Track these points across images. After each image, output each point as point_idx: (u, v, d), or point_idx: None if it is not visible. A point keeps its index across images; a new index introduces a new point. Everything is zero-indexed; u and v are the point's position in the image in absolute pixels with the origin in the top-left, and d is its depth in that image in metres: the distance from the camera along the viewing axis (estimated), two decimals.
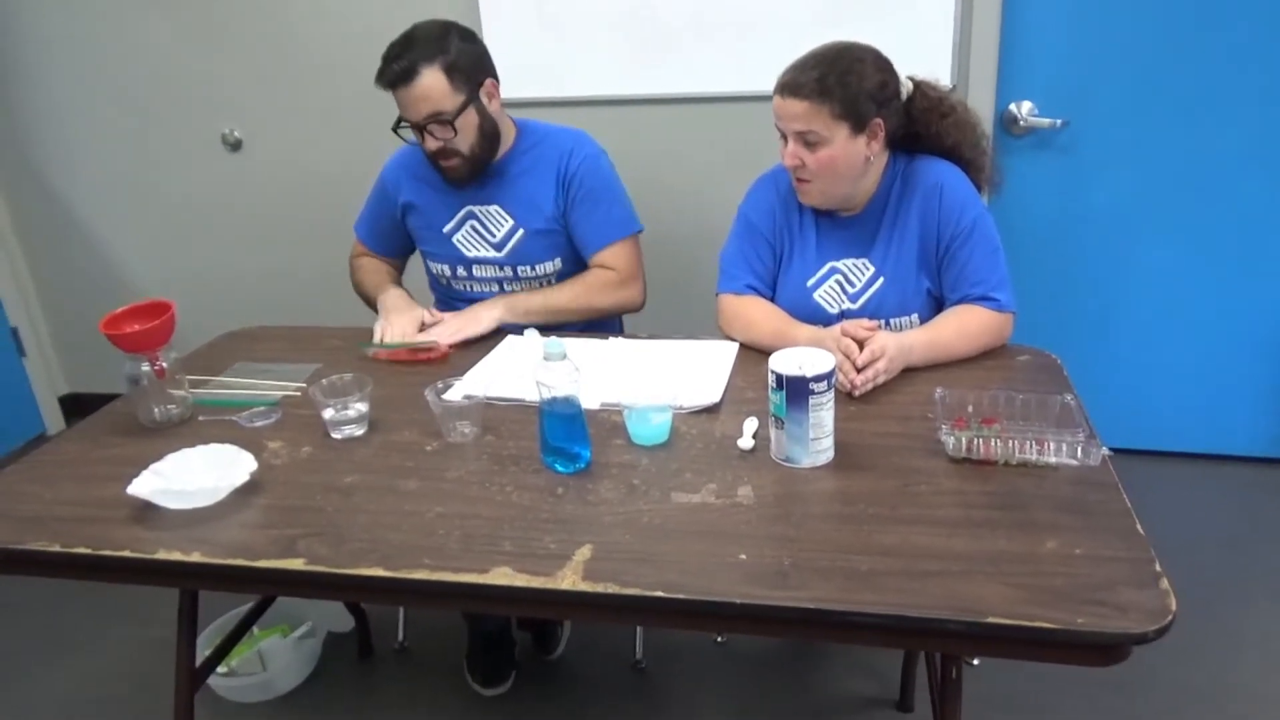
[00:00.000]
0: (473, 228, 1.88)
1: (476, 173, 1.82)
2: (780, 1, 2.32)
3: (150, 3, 2.68)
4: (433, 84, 1.68)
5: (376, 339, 1.75)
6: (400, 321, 1.76)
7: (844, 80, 1.49)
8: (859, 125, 1.52)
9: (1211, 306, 2.47)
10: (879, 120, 1.53)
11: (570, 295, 1.85)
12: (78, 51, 2.78)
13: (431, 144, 1.75)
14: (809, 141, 1.53)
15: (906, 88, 1.60)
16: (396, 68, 1.67)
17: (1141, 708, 1.82)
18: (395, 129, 1.79)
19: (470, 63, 1.73)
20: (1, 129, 2.94)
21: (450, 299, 1.98)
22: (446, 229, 1.89)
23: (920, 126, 1.62)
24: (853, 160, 1.55)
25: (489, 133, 1.80)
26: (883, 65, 1.55)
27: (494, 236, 1.88)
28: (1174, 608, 0.95)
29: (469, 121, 1.75)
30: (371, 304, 1.93)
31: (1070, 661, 0.99)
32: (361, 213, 2.03)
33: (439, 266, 1.94)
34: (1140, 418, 2.62)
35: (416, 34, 1.70)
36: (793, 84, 1.51)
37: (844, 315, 1.63)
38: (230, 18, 2.65)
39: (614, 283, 1.87)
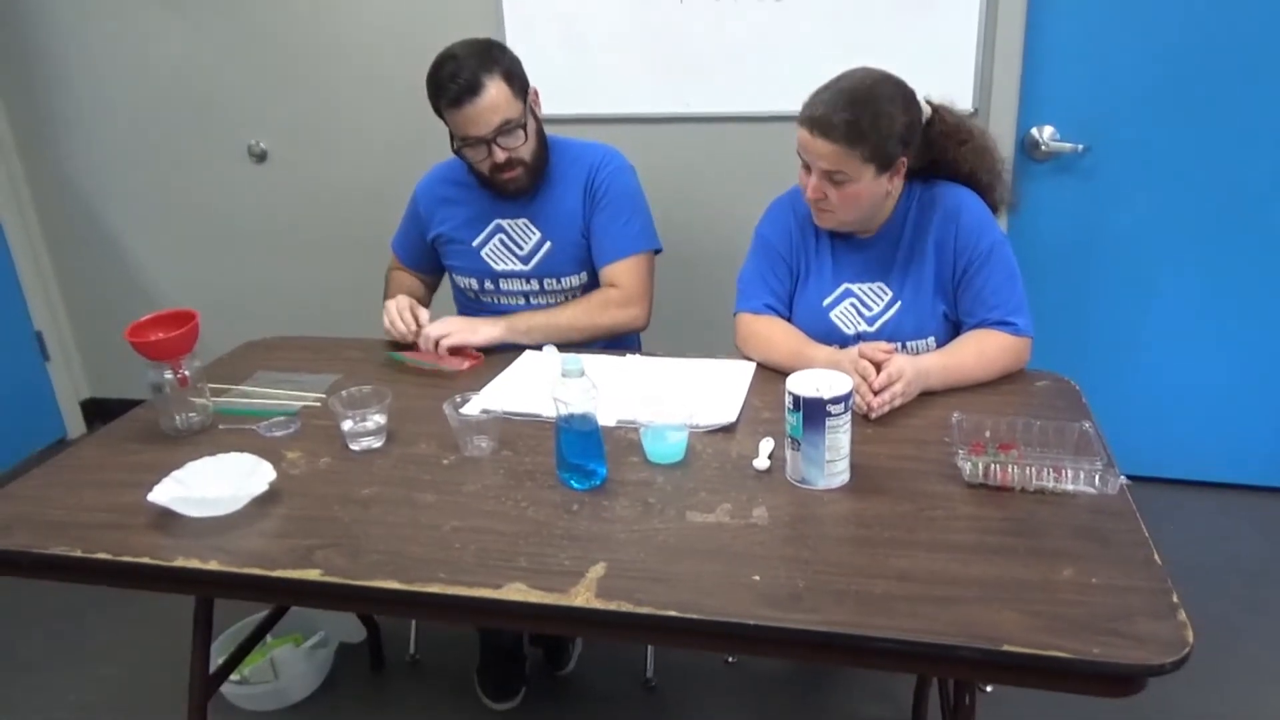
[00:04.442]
0: (501, 241, 1.89)
1: (535, 181, 1.84)
2: (802, 24, 2.33)
3: (179, 15, 2.72)
4: (498, 93, 1.70)
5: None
6: (392, 305, 1.80)
7: (876, 124, 1.47)
8: (886, 166, 1.52)
9: (1233, 335, 2.45)
10: (904, 159, 1.54)
11: (571, 315, 1.83)
12: (106, 62, 2.83)
13: (500, 155, 1.75)
14: (835, 180, 1.53)
15: (925, 113, 1.59)
16: (462, 81, 1.67)
17: None
18: (456, 151, 1.79)
19: (519, 70, 1.76)
20: (32, 138, 2.99)
21: (477, 314, 1.99)
22: (475, 243, 1.91)
23: (937, 152, 1.62)
24: (875, 196, 1.56)
25: (544, 139, 1.83)
26: (909, 103, 1.53)
27: (521, 250, 1.89)
28: (1191, 639, 0.94)
29: (530, 128, 1.77)
30: None
31: (1085, 692, 0.98)
32: (397, 230, 2.04)
33: (466, 280, 1.95)
34: (1159, 446, 2.59)
35: (459, 52, 1.71)
36: (824, 123, 1.48)
37: (860, 338, 1.63)
38: (258, 30, 2.69)
39: (617, 301, 1.85)
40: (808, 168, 1.55)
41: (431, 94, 1.73)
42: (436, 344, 1.74)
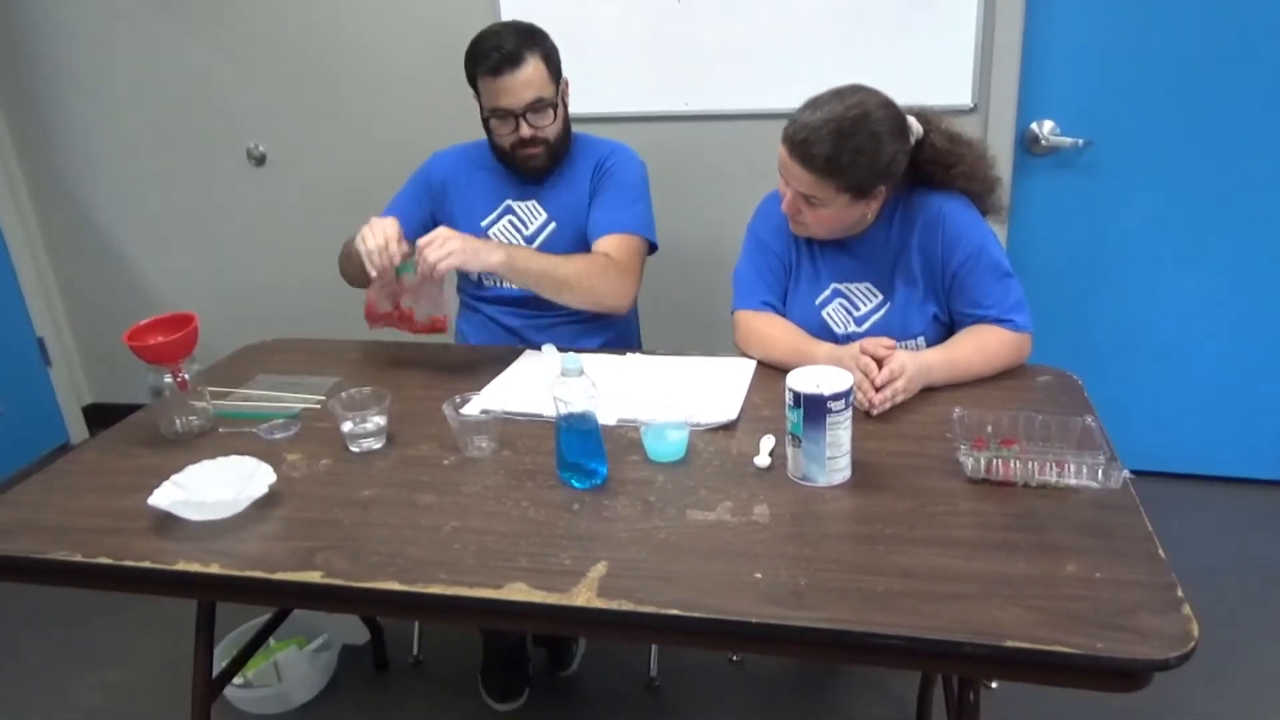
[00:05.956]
0: (510, 222, 1.92)
1: (552, 164, 1.88)
2: (801, 21, 2.32)
3: (177, 19, 2.72)
4: (536, 71, 1.76)
5: (363, 252, 1.61)
6: (381, 223, 1.63)
7: (855, 159, 1.45)
8: (862, 195, 1.52)
9: (1235, 328, 2.44)
10: (883, 188, 1.53)
11: (573, 271, 1.75)
12: (106, 67, 2.83)
13: (526, 130, 1.79)
14: (810, 202, 1.53)
15: (916, 133, 1.55)
16: (506, 50, 1.73)
17: None
18: (484, 121, 1.83)
19: (557, 58, 1.82)
20: (31, 143, 2.99)
21: (478, 296, 1.99)
22: (484, 223, 1.93)
23: (924, 177, 1.60)
24: (850, 218, 1.57)
25: (568, 128, 1.89)
26: (897, 135, 1.50)
27: (526, 230, 1.92)
28: (1196, 634, 0.94)
29: (559, 112, 1.83)
30: (354, 278, 1.85)
31: (1090, 687, 0.97)
32: (393, 201, 1.99)
33: None
34: (1162, 440, 2.59)
35: (505, 28, 1.78)
36: (803, 150, 1.47)
37: (850, 338, 1.62)
38: (257, 34, 2.69)
39: (615, 269, 1.79)
40: (785, 180, 1.55)
41: (469, 62, 1.78)
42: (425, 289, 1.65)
